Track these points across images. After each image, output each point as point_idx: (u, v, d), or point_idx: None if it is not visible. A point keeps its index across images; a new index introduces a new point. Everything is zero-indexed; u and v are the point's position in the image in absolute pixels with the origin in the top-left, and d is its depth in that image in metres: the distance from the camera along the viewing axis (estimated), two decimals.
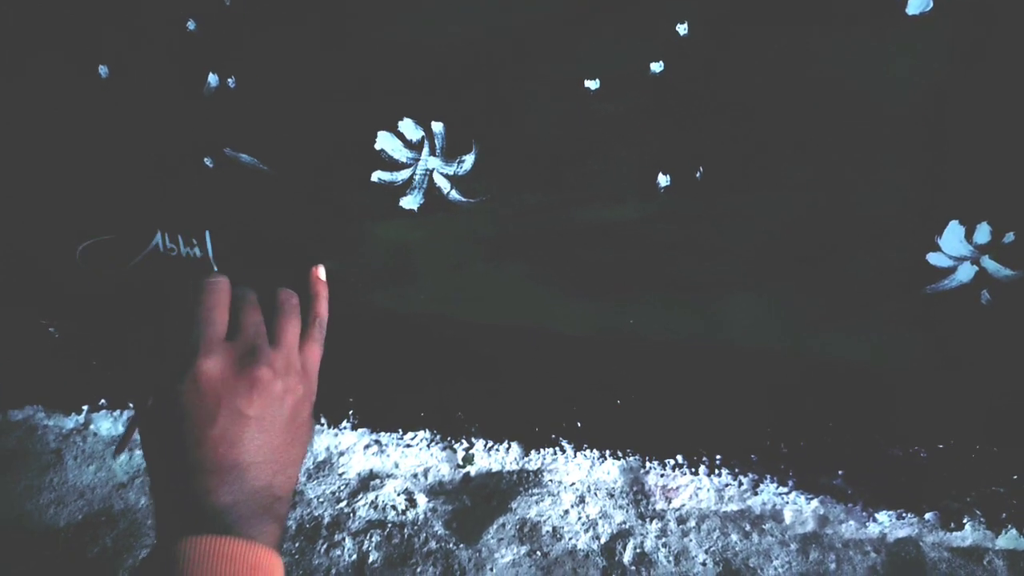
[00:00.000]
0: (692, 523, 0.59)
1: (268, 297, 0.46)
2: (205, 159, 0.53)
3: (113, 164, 0.54)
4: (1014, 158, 0.47)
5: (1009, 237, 0.50)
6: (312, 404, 0.44)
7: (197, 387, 0.36)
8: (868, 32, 0.45)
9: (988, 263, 0.51)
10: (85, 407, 0.63)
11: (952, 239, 0.51)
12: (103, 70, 0.51)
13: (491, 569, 0.56)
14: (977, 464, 0.56)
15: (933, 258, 0.51)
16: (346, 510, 0.60)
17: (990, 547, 0.58)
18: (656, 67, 0.48)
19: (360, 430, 0.63)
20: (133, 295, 0.56)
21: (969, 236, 0.50)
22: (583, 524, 0.59)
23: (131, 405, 0.61)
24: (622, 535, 0.58)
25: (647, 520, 0.60)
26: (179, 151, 0.53)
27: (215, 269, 0.55)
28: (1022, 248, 0.50)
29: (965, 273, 0.51)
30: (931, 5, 0.44)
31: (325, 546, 0.57)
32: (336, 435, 0.63)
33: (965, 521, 0.58)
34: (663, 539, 0.58)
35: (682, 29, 0.47)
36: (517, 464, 0.62)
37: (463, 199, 0.53)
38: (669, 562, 0.57)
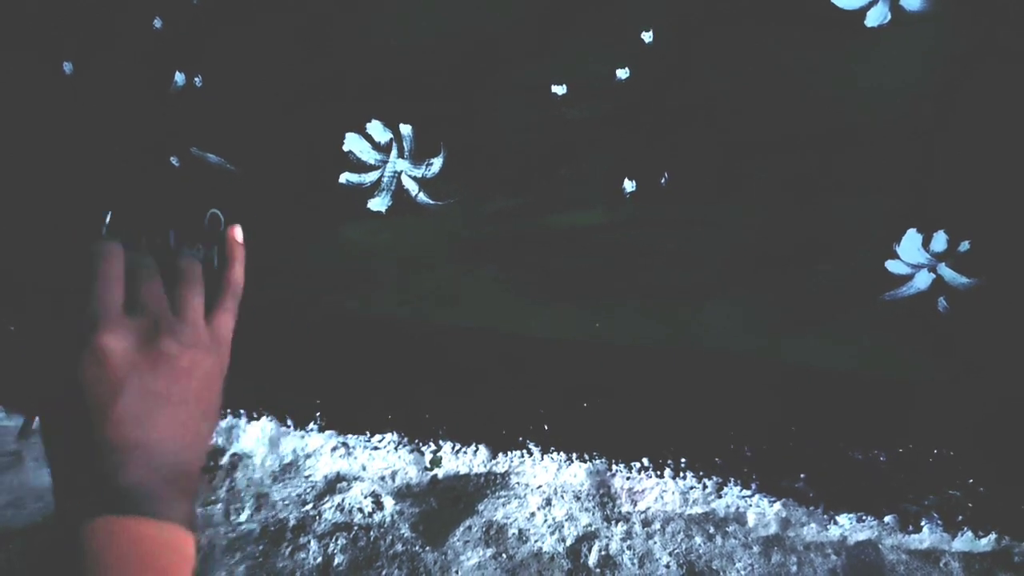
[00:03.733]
0: (657, 525, 0.60)
1: (169, 264, 0.43)
2: (171, 158, 0.52)
3: (76, 163, 0.53)
4: (971, 167, 0.49)
5: (965, 246, 0.51)
6: (223, 376, 0.41)
7: (98, 364, 0.34)
8: (831, 42, 0.46)
9: (945, 271, 0.52)
10: None
11: (910, 247, 0.52)
12: (67, 67, 0.50)
13: (457, 572, 0.56)
14: (935, 468, 0.57)
15: (891, 265, 0.53)
16: (312, 512, 0.59)
17: (947, 549, 0.59)
18: (622, 73, 0.48)
19: (327, 432, 0.62)
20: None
21: (926, 244, 0.52)
22: (549, 526, 0.59)
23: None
24: (588, 537, 0.59)
25: (613, 522, 0.60)
26: (145, 150, 0.52)
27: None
28: (978, 257, 0.51)
29: (922, 280, 0.53)
30: (889, 17, 0.45)
31: (290, 549, 0.57)
32: (303, 437, 0.63)
33: (923, 524, 0.59)
34: (628, 541, 0.59)
35: (647, 36, 0.47)
36: (485, 467, 0.62)
37: (431, 202, 0.53)
38: (633, 564, 0.57)
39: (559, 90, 0.49)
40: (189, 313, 0.40)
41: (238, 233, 0.45)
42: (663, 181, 0.51)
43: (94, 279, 0.37)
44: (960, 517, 0.58)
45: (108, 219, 0.52)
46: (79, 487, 0.33)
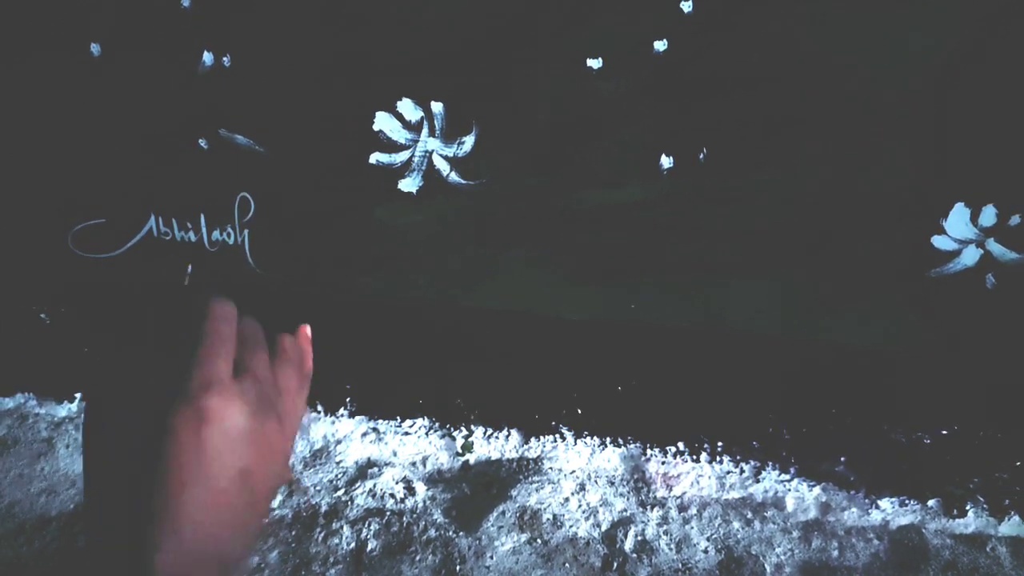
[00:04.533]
0: (693, 511, 0.59)
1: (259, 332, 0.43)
2: (200, 141, 0.52)
3: (105, 146, 0.52)
4: (1021, 140, 0.47)
5: (1015, 220, 0.49)
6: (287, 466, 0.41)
7: (197, 429, 0.33)
8: (875, 11, 0.44)
9: (993, 246, 0.50)
10: (78, 395, 0.62)
11: (957, 222, 0.50)
12: (95, 48, 0.50)
13: (491, 557, 0.55)
14: (981, 450, 0.56)
15: (938, 241, 0.51)
16: (344, 498, 0.59)
17: (993, 534, 0.58)
18: (660, 45, 0.47)
19: (358, 418, 0.62)
20: (129, 300, 0.54)
21: (975, 219, 0.50)
22: (584, 512, 0.58)
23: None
24: (623, 523, 0.58)
25: (648, 508, 0.59)
26: (173, 132, 0.52)
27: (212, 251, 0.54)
28: None
29: (970, 256, 0.51)
30: None
31: (323, 534, 0.56)
32: (333, 423, 0.62)
33: (968, 508, 0.57)
34: (664, 527, 0.58)
35: (686, 6, 0.46)
36: (517, 452, 0.61)
37: (463, 181, 0.52)
38: (671, 549, 0.56)
39: (594, 64, 0.48)
40: (288, 394, 0.39)
41: (308, 330, 0.46)
42: (701, 157, 0.50)
43: (209, 339, 0.35)
44: (1007, 501, 0.57)
45: (190, 271, 0.52)
46: (113, 551, 0.31)
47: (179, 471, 0.31)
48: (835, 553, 0.57)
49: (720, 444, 0.59)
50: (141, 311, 0.51)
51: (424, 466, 0.62)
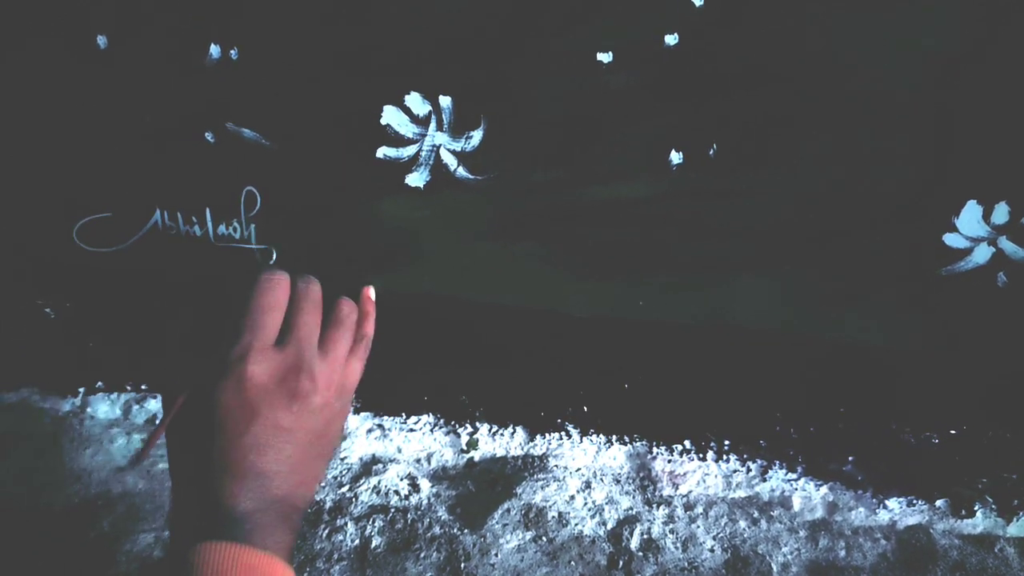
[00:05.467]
0: (700, 509, 0.59)
1: (326, 297, 0.45)
2: (206, 134, 0.51)
3: (111, 139, 0.52)
4: None
5: None
6: (345, 421, 0.44)
7: (240, 392, 0.36)
8: (887, 5, 0.44)
9: (1006, 244, 0.50)
10: (81, 389, 0.62)
11: (970, 219, 0.50)
12: (101, 40, 0.49)
13: (496, 554, 0.55)
14: (989, 450, 0.56)
15: (949, 239, 0.51)
16: (348, 495, 0.59)
17: (1001, 535, 0.57)
18: (671, 39, 0.47)
19: (363, 414, 0.62)
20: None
21: (987, 216, 0.49)
22: (589, 510, 0.58)
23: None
24: (629, 521, 0.58)
25: (654, 506, 0.59)
26: (179, 125, 0.51)
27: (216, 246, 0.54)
28: None
29: (982, 254, 0.50)
30: None
31: (327, 531, 0.56)
32: None
33: (976, 508, 0.57)
34: (670, 525, 0.58)
35: (697, 0, 0.45)
36: (522, 449, 0.61)
37: (470, 176, 0.52)
38: (677, 548, 0.56)
39: (604, 58, 0.48)
40: (332, 355, 0.43)
41: (372, 292, 0.48)
42: (711, 152, 0.50)
43: (253, 308, 0.39)
44: (1016, 501, 0.56)
45: (275, 258, 0.52)
46: (196, 507, 0.35)
47: (232, 429, 0.35)
48: (842, 553, 0.56)
49: (727, 442, 0.59)
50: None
51: (429, 463, 0.62)
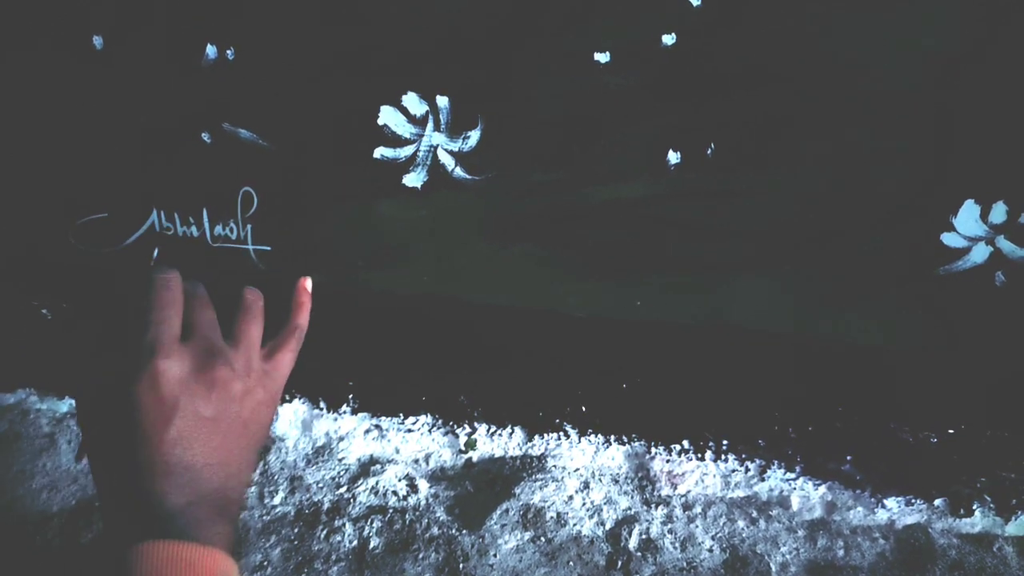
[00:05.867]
0: (698, 509, 0.58)
1: (230, 294, 0.44)
2: (203, 134, 0.51)
3: (107, 140, 0.52)
4: None
5: None
6: (274, 408, 0.43)
7: (154, 388, 0.35)
8: (887, 3, 0.44)
9: (1004, 244, 0.50)
10: None
11: (967, 219, 0.50)
12: (97, 41, 0.49)
13: (495, 555, 0.55)
14: (988, 449, 0.56)
15: (948, 238, 0.50)
16: (346, 495, 0.58)
17: (1000, 534, 0.57)
18: (668, 39, 0.47)
19: (360, 414, 0.62)
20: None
21: (985, 216, 0.49)
22: (588, 510, 0.58)
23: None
24: (627, 521, 0.57)
25: (652, 506, 0.59)
26: (176, 126, 0.51)
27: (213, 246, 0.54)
28: None
29: (980, 254, 0.50)
30: None
31: (325, 532, 0.56)
32: (336, 420, 0.62)
33: (975, 507, 0.57)
34: (669, 525, 0.57)
35: (695, 0, 0.45)
36: (520, 449, 0.61)
37: (468, 176, 0.52)
38: (675, 548, 0.56)
39: (602, 58, 0.48)
40: (244, 342, 0.42)
41: (308, 284, 0.48)
42: (709, 152, 0.50)
43: (153, 306, 0.38)
44: (1014, 500, 0.56)
45: (156, 255, 0.52)
46: (126, 509, 0.33)
47: (151, 425, 0.34)
48: (840, 552, 0.56)
49: (725, 442, 0.58)
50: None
51: (427, 463, 0.62)
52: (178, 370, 0.36)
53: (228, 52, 0.49)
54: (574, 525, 0.57)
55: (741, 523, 0.58)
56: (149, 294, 0.39)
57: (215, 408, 0.36)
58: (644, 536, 0.56)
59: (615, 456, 0.61)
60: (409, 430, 0.61)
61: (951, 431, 0.56)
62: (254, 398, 0.39)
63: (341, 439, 0.62)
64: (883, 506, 0.58)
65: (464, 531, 0.56)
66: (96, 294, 0.53)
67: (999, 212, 0.49)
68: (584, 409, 0.60)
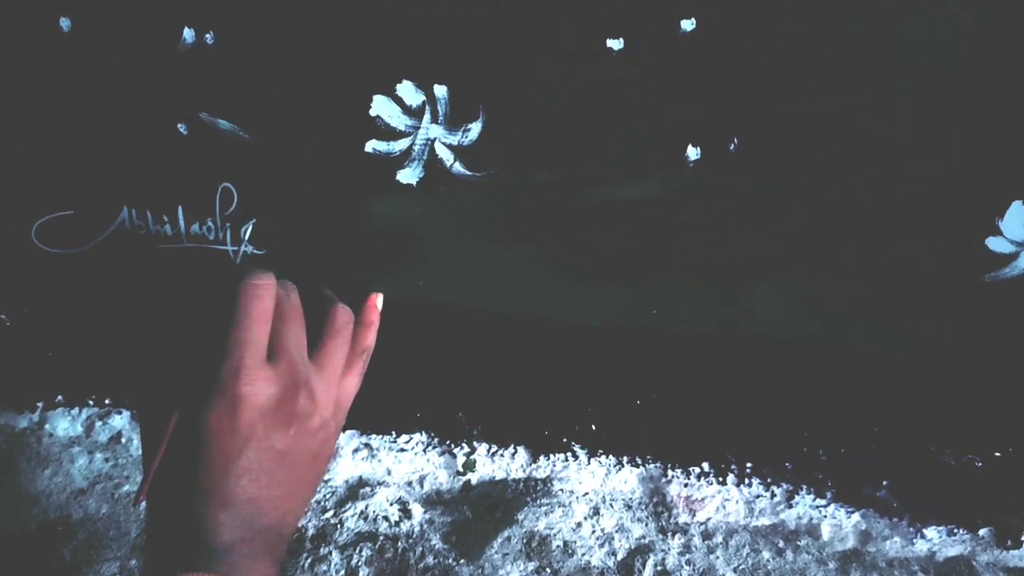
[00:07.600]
0: (719, 538, 0.55)
1: (310, 298, 0.41)
2: (179, 125, 0.48)
3: (74, 130, 0.49)
4: None
5: None
6: (337, 440, 0.41)
7: (232, 415, 0.34)
8: None
9: None
10: (40, 404, 0.58)
11: (1015, 222, 0.46)
12: (65, 23, 0.46)
13: None
14: None
15: (993, 243, 0.47)
16: (333, 521, 0.55)
17: None
18: (687, 24, 0.43)
19: (348, 432, 0.58)
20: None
21: None
22: (598, 538, 0.54)
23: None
24: (641, 551, 0.53)
25: (669, 535, 0.55)
26: (149, 116, 0.48)
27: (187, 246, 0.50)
28: None
29: None
30: None
31: (309, 560, 0.52)
32: None
33: (1023, 538, 0.53)
34: (687, 556, 0.53)
35: None
36: (524, 471, 0.57)
37: (468, 173, 0.48)
38: None
39: (615, 44, 0.44)
40: (328, 369, 0.40)
41: (379, 301, 0.45)
42: (732, 148, 0.46)
43: (242, 321, 0.35)
44: None
45: (251, 228, 0.49)
46: (173, 536, 0.33)
47: (222, 453, 0.33)
48: None
49: (749, 465, 0.55)
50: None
51: (421, 486, 0.58)
52: (261, 399, 0.34)
53: (207, 36, 0.46)
54: (583, 555, 0.53)
55: (766, 554, 0.54)
56: (237, 304, 0.36)
57: (291, 442, 0.35)
58: (659, 568, 0.52)
59: (628, 479, 0.57)
60: (402, 449, 0.58)
61: (997, 454, 0.52)
62: (327, 431, 0.38)
63: (333, 457, 0.58)
64: (922, 536, 0.54)
65: (462, 560, 0.52)
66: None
67: None
68: (594, 427, 0.56)
